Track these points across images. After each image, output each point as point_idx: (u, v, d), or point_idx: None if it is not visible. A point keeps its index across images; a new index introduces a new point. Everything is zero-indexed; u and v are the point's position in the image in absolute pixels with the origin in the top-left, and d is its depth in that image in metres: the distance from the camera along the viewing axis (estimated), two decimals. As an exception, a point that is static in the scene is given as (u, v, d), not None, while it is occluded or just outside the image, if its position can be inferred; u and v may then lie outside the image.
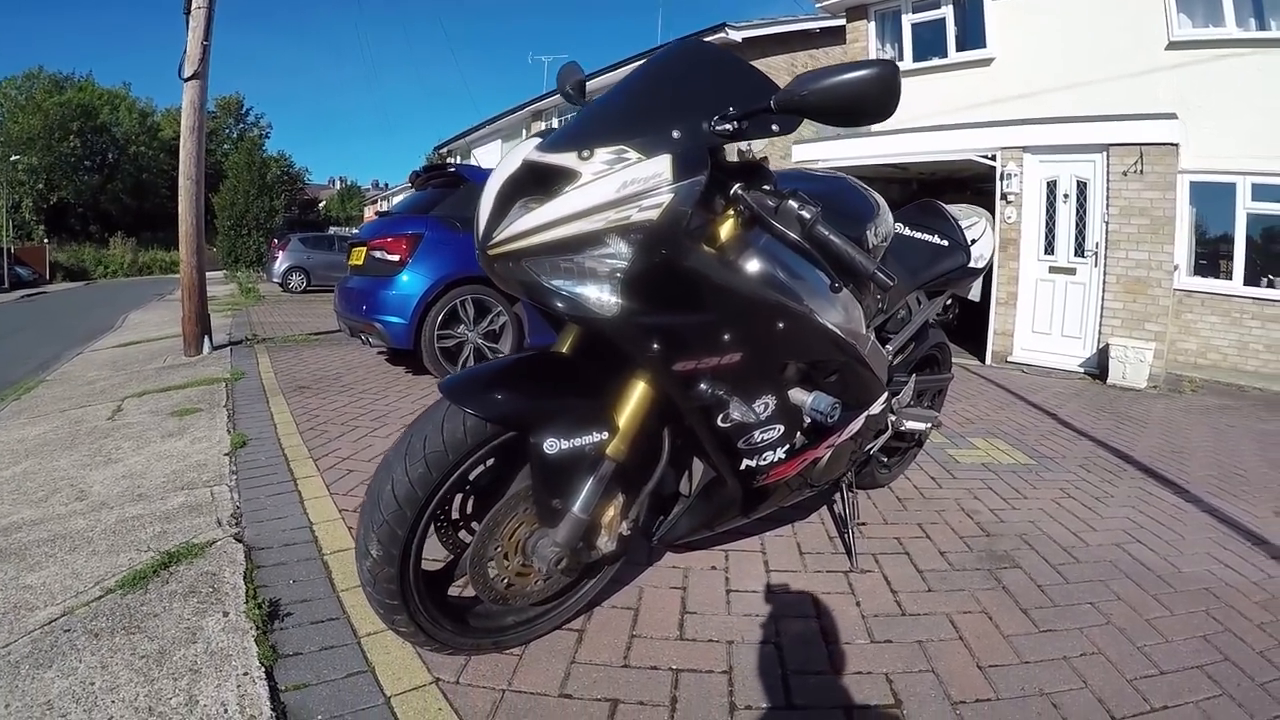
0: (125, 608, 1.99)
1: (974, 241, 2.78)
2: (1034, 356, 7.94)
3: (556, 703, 1.65)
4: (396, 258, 4.63)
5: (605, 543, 1.62)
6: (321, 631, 1.91)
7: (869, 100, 1.20)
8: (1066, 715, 1.75)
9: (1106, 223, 7.21)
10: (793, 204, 1.42)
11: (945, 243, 2.65)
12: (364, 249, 4.95)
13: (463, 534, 1.74)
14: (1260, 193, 7.34)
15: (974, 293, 3.01)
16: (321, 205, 57.35)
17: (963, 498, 3.33)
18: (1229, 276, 7.68)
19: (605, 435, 1.49)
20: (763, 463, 1.76)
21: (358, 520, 1.50)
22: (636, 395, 1.52)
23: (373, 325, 4.56)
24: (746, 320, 1.52)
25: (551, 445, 1.43)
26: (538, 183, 1.35)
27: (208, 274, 7.20)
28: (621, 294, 1.31)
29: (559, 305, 1.33)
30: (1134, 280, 7.05)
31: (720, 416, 1.60)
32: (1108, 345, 7.20)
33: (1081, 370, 7.64)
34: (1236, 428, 5.46)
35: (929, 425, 2.83)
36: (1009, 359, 8.11)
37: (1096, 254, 7.29)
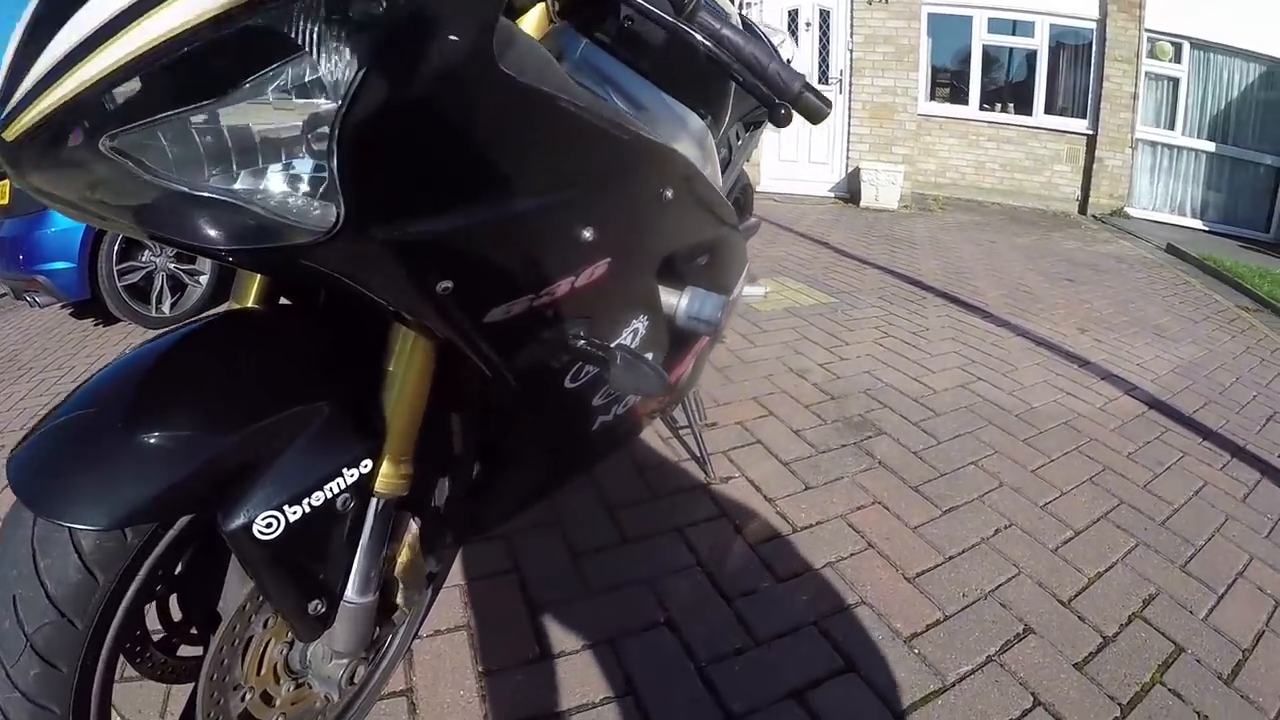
0: None
1: (789, 62, 2.59)
2: (783, 185, 8.76)
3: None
4: None
5: (409, 599, 1.11)
6: None
7: None
8: (1020, 613, 1.75)
9: (851, 50, 8.27)
10: None
11: None
12: (6, 182, 4.54)
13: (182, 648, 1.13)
14: (995, 26, 8.79)
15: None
16: None
17: (785, 355, 3.34)
18: (966, 102, 9.14)
19: (365, 461, 0.93)
20: (621, 409, 1.39)
21: None
22: (409, 374, 0.96)
23: (34, 279, 4.26)
24: (612, 190, 1.04)
25: (267, 523, 0.84)
26: None
27: None
28: (345, 169, 0.67)
29: (209, 231, 0.68)
30: (880, 106, 8.31)
31: (572, 374, 1.16)
32: (858, 169, 8.31)
33: (833, 195, 8.71)
34: (998, 243, 6.50)
35: (759, 289, 2.68)
36: (757, 188, 8.72)
37: (841, 81, 8.38)
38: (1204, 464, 2.61)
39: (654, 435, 2.47)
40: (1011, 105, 8.96)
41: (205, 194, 0.66)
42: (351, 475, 0.92)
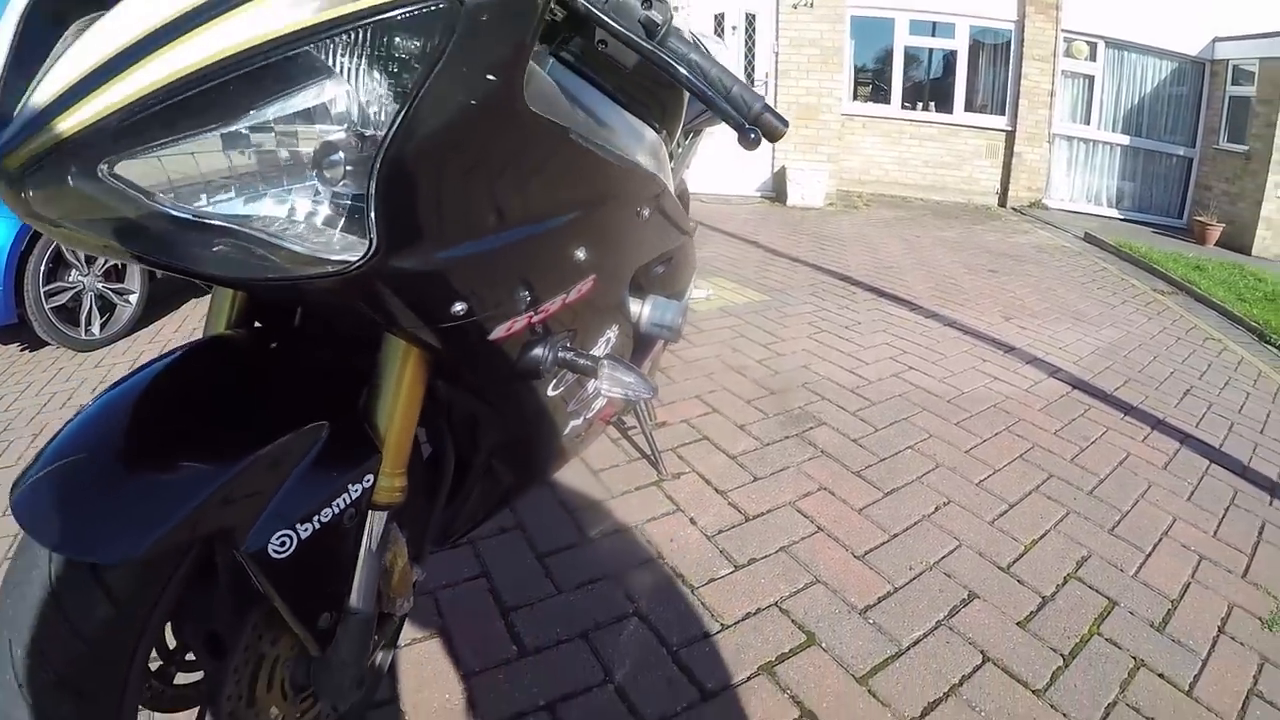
0: None
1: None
2: (710, 185, 8.95)
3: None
4: None
5: (400, 606, 1.19)
6: None
7: None
8: (963, 581, 1.91)
9: (776, 53, 8.62)
10: None
11: None
12: None
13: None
14: (916, 28, 9.22)
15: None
16: None
17: (724, 353, 3.47)
18: (887, 101, 9.58)
19: (367, 476, 1.00)
20: (590, 414, 1.48)
21: None
22: (403, 389, 1.03)
23: None
24: (602, 212, 1.16)
25: (281, 542, 0.90)
26: None
27: None
28: (382, 202, 0.72)
29: (221, 255, 0.73)
30: (805, 107, 8.67)
31: (555, 382, 1.26)
32: (784, 169, 8.64)
33: (759, 195, 9.00)
34: (922, 237, 6.81)
35: (703, 291, 2.83)
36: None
37: (767, 83, 8.73)
38: (1126, 437, 2.84)
39: (605, 438, 2.56)
40: (933, 104, 9.41)
41: (217, 223, 0.70)
42: (355, 490, 0.99)
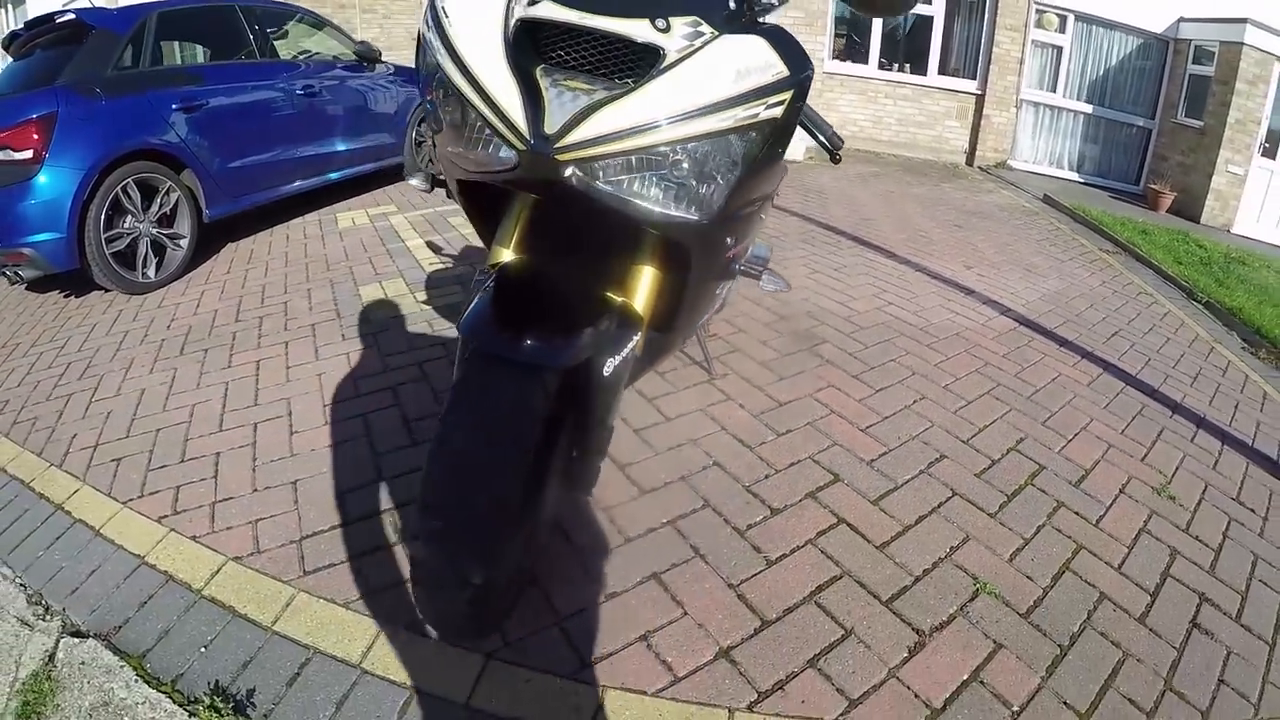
0: None
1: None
2: None
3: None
4: (29, 153, 4.26)
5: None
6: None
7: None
8: (936, 447, 2.67)
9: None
10: None
11: None
12: None
13: None
14: None
15: None
16: None
17: (739, 287, 4.15)
18: (865, 61, 10.20)
19: (636, 329, 1.67)
20: (718, 306, 2.29)
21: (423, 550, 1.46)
22: (648, 279, 1.68)
23: (19, 253, 4.27)
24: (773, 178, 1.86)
25: (609, 368, 1.58)
26: (551, 47, 1.42)
27: None
28: (724, 195, 1.42)
29: (638, 216, 1.40)
30: None
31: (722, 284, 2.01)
32: None
33: None
34: (895, 192, 7.54)
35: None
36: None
37: None
38: (1060, 362, 3.62)
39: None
40: (908, 65, 10.06)
41: (646, 201, 1.38)
42: (633, 335, 1.64)
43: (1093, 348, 3.89)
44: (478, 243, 4.80)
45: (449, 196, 2.13)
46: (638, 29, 1.34)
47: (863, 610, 1.91)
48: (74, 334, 3.92)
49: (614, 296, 1.62)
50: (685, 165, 1.36)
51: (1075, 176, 9.88)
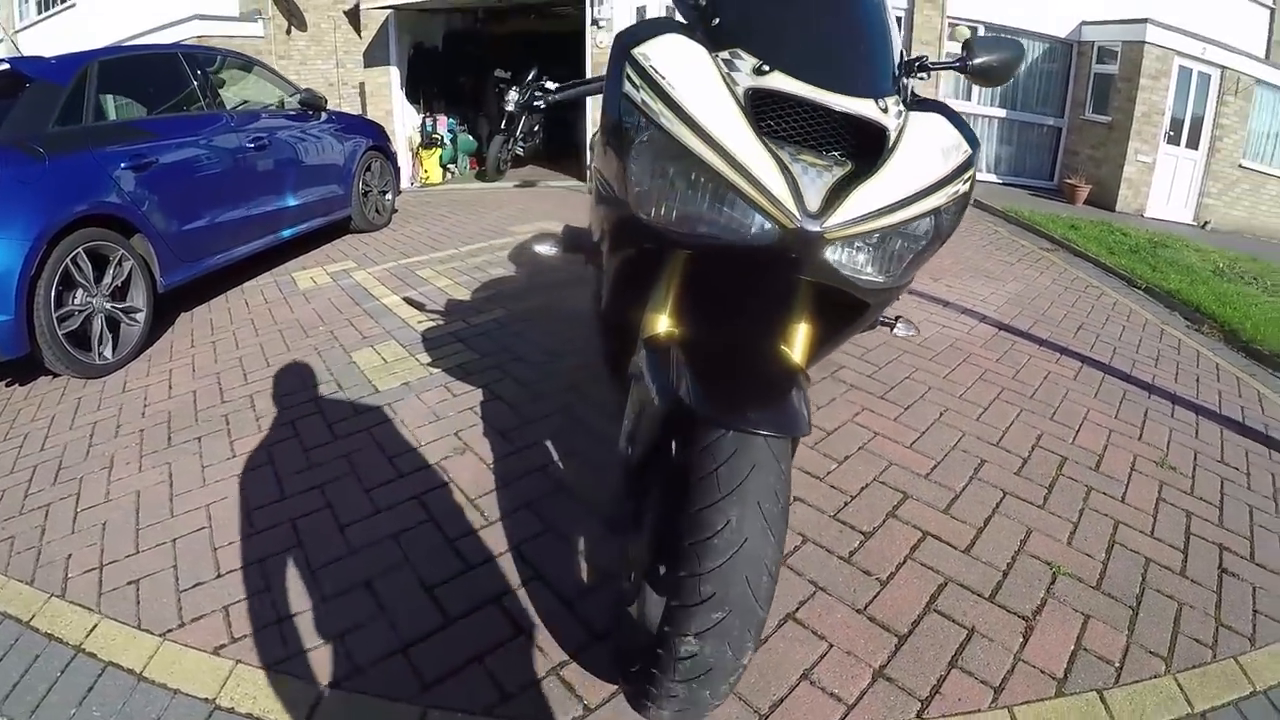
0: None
1: None
2: None
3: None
4: None
5: None
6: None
7: (1013, 73, 1.88)
8: (976, 454, 3.07)
9: None
10: None
11: None
12: None
13: None
14: None
15: None
16: None
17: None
18: None
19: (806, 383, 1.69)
20: None
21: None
22: (804, 332, 1.73)
23: None
24: None
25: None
26: (763, 115, 1.46)
27: None
28: (921, 263, 1.57)
29: (850, 285, 1.50)
30: None
31: None
32: None
33: None
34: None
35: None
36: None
37: None
38: (1045, 361, 4.11)
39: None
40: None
41: (858, 269, 1.47)
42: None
43: (1066, 343, 4.40)
44: (456, 295, 4.99)
45: (587, 263, 2.38)
46: (867, 109, 1.44)
47: (974, 609, 2.26)
48: (31, 430, 3.50)
49: (788, 351, 1.68)
50: (901, 241, 1.49)
51: (994, 178, 10.66)
